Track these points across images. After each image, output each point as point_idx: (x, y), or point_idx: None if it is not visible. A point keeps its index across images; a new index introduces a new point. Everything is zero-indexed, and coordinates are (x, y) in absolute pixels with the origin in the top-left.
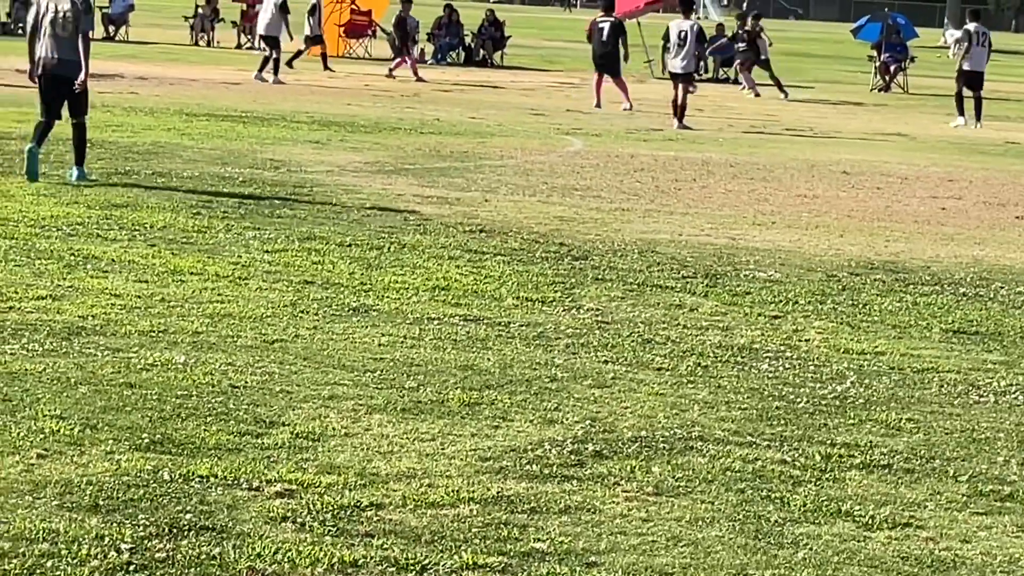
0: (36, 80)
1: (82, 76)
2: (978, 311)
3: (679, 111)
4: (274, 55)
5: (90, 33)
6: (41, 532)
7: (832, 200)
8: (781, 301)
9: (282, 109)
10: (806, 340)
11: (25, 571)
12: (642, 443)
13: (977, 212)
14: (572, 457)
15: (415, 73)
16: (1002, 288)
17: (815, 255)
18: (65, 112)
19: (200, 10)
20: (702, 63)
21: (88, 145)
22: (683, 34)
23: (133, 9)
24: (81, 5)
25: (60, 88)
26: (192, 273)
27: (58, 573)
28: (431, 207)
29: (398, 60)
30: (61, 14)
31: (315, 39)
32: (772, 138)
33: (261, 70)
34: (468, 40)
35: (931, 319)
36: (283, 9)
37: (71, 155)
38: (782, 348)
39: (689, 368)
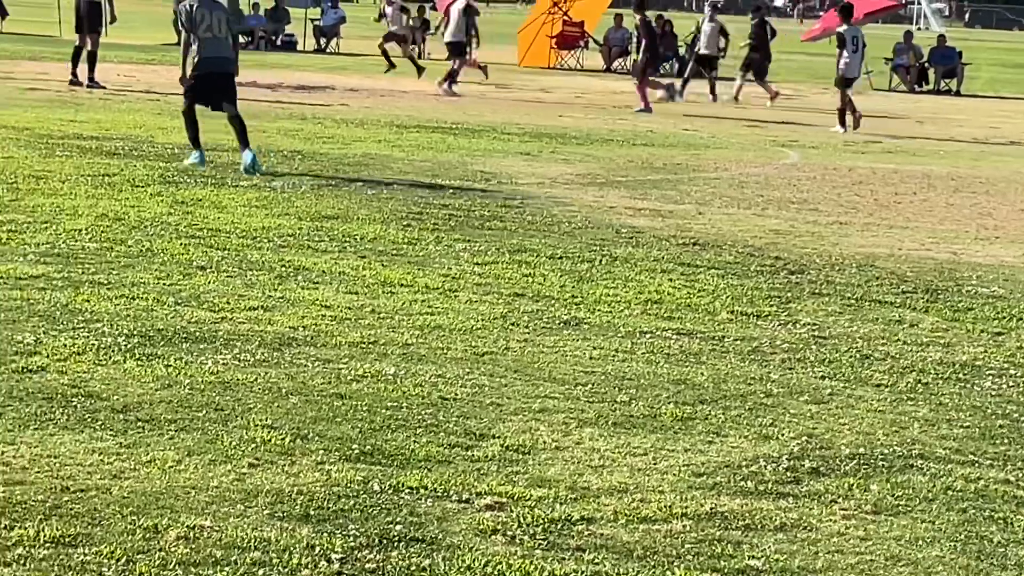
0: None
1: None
2: None
3: (851, 117)
4: (456, 64)
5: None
6: (253, 540)
7: None
8: (1005, 317)
9: (492, 121)
10: None
11: None
12: (860, 460)
13: None
14: (788, 474)
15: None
16: None
17: None
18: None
19: (411, 22)
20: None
21: (298, 155)
22: (856, 39)
23: (344, 21)
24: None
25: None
26: (402, 285)
27: None
28: (643, 219)
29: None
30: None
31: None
32: (995, 151)
33: (448, 82)
34: (682, 51)
35: None
36: (467, 13)
37: (281, 166)
38: (1006, 365)
39: (909, 385)
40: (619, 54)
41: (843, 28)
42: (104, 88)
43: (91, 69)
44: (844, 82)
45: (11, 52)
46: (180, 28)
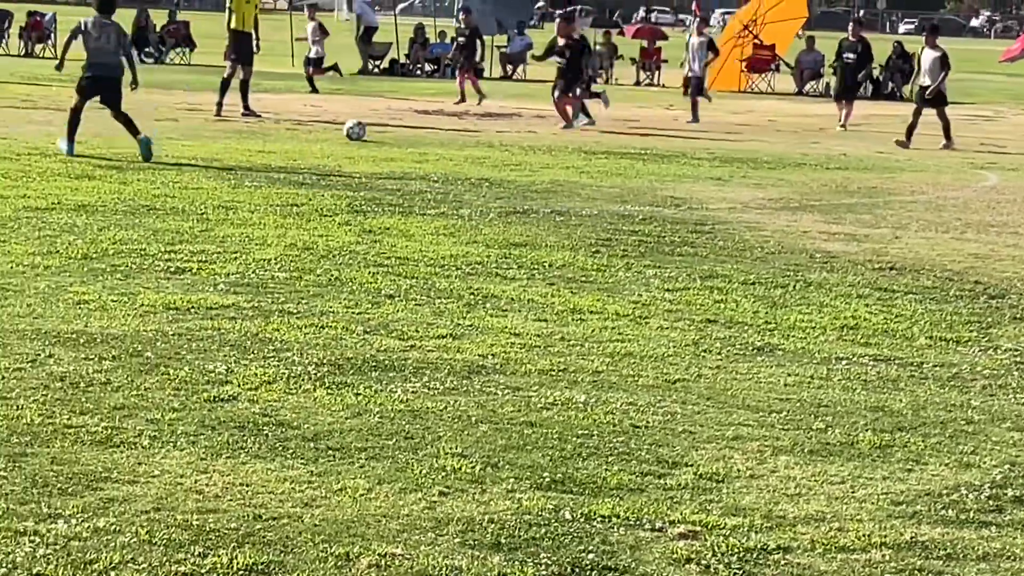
0: None
1: None
2: None
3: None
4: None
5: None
6: (444, 569)
7: None
8: None
9: (681, 146)
10: None
11: None
12: None
13: None
14: (990, 502)
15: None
16: None
17: None
18: None
19: (599, 48)
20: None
21: (486, 183)
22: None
23: (531, 48)
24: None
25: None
26: (591, 312)
27: None
28: (838, 244)
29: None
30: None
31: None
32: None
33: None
34: (876, 73)
35: None
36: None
37: (468, 194)
38: None
39: None
40: (811, 76)
41: None
42: (260, 117)
43: (244, 98)
44: None
45: (199, 83)
46: (72, 33)
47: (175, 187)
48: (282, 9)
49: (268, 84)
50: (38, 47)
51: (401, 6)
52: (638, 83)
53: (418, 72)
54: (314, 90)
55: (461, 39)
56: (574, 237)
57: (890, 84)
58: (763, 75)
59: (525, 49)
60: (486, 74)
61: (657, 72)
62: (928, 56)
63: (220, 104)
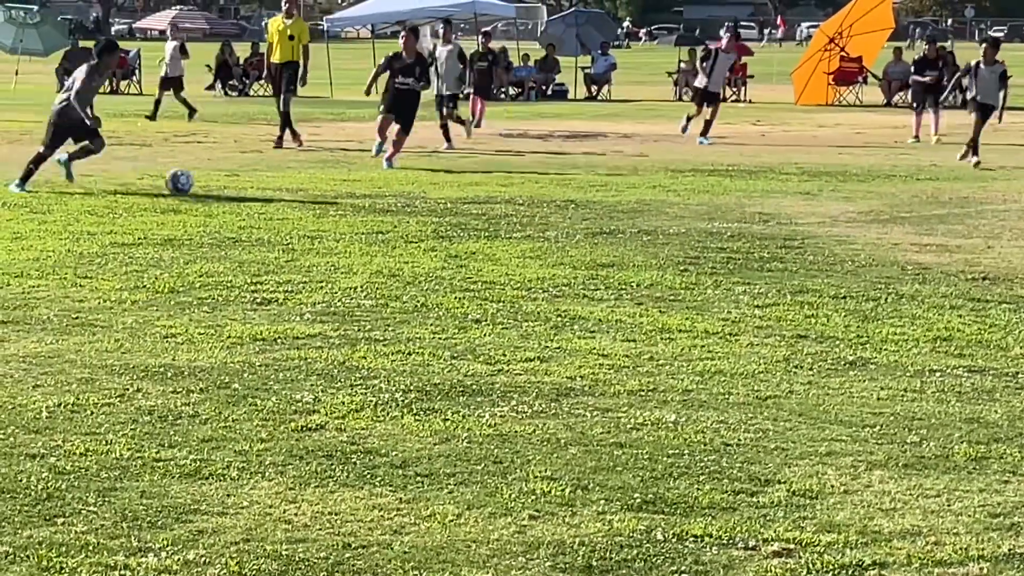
0: None
1: None
2: None
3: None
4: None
5: None
6: None
7: None
8: None
9: (769, 161)
10: None
11: None
12: None
13: None
14: None
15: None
16: None
17: None
18: None
19: (683, 65)
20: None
21: (572, 204)
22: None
23: (615, 68)
24: None
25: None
26: (680, 331)
27: None
28: (930, 255)
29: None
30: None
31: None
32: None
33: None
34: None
35: None
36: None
37: (554, 216)
38: None
39: None
40: (899, 87)
41: None
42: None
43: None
44: None
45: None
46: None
47: (260, 218)
48: (365, 38)
49: (353, 112)
50: (123, 83)
51: (484, 29)
52: (724, 99)
53: (502, 96)
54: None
55: (483, 64)
56: (661, 256)
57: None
58: (850, 87)
59: (609, 69)
60: (570, 95)
61: (744, 88)
62: (986, 73)
63: (282, 136)
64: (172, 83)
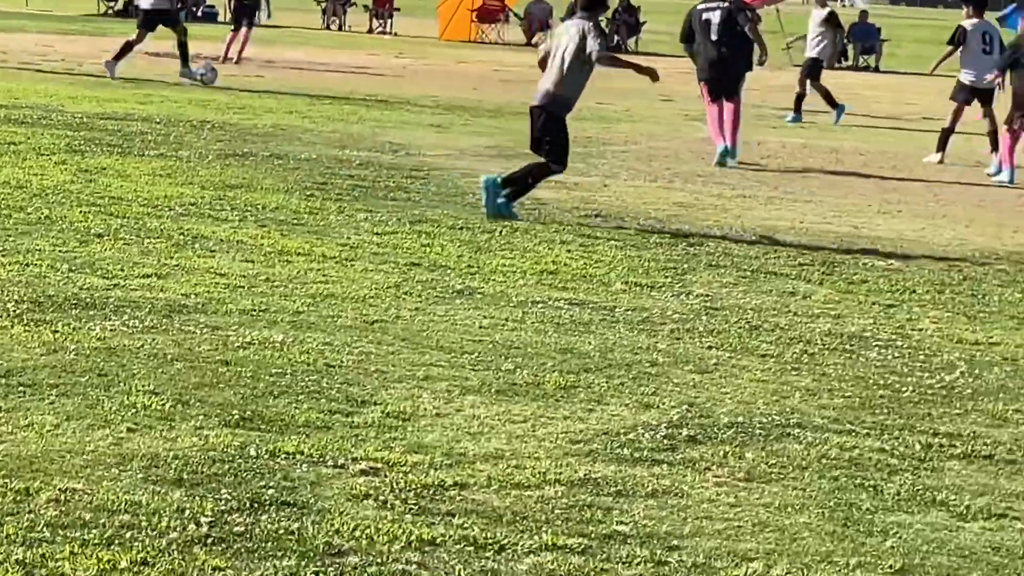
0: None
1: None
2: None
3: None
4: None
5: None
6: (124, 504)
7: (962, 190)
8: (898, 290)
9: (406, 93)
10: (919, 329)
11: (104, 541)
12: (738, 429)
13: None
14: (665, 441)
15: None
16: None
17: (938, 244)
18: None
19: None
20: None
21: (208, 125)
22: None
23: None
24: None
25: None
26: (299, 254)
27: (136, 544)
28: (549, 191)
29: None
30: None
31: None
32: (907, 127)
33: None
34: (603, 25)
35: None
36: None
37: (189, 136)
38: (893, 337)
39: (795, 355)
40: (541, 27)
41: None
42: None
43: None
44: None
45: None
46: None
47: None
48: None
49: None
50: None
51: None
52: (371, 31)
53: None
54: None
55: None
56: (290, 180)
57: (616, 37)
58: (493, 25)
59: None
60: (220, 18)
61: (390, 20)
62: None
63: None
64: None
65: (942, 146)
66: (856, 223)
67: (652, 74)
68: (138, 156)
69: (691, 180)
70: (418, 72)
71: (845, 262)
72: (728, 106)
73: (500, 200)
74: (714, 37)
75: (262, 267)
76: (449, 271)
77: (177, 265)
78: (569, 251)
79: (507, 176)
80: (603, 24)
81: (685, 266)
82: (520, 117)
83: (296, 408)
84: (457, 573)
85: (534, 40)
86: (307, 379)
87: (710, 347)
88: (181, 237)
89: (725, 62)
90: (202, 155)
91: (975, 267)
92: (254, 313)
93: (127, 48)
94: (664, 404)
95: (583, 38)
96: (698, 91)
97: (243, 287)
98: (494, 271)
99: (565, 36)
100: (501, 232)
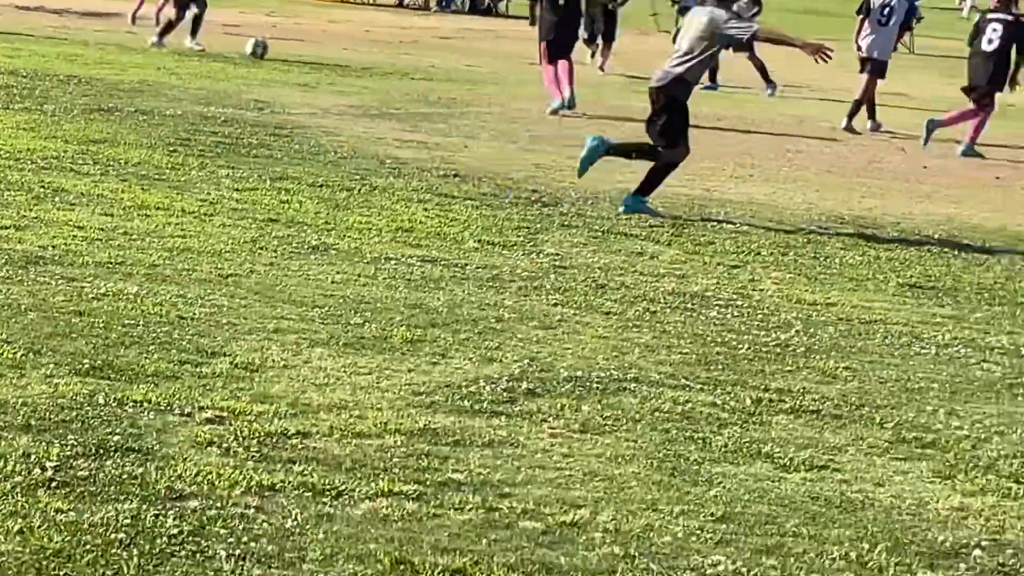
0: None
1: None
2: (939, 267)
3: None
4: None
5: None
6: None
7: (815, 155)
8: (743, 251)
9: (274, 52)
10: (760, 289)
11: None
12: (576, 383)
13: (959, 171)
14: (505, 394)
15: None
16: (968, 245)
17: (787, 208)
18: None
19: None
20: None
21: (75, 79)
22: None
23: None
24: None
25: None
26: (159, 208)
27: None
28: (409, 151)
29: None
30: None
31: None
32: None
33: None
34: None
35: (890, 273)
36: None
37: (55, 90)
38: (734, 296)
39: (637, 313)
40: None
41: None
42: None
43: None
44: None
45: None
46: None
47: None
48: None
49: None
50: None
51: None
52: None
53: None
54: None
55: None
56: (153, 136)
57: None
58: None
59: None
60: None
61: None
62: None
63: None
64: None
65: (871, 114)
66: (709, 186)
67: (817, 50)
68: (2, 109)
69: (551, 142)
70: (288, 30)
71: (694, 224)
72: (563, 64)
73: (629, 201)
74: (561, 1)
75: (121, 220)
76: (306, 227)
77: (36, 217)
78: (426, 210)
79: (616, 144)
80: None
81: (538, 226)
82: (387, 78)
83: (146, 358)
84: (294, 517)
85: (405, 1)
86: (159, 330)
87: (556, 304)
88: (41, 190)
89: (566, 25)
90: (67, 109)
91: (820, 231)
92: (110, 265)
93: (169, 27)
94: (507, 358)
95: (715, 25)
96: None
97: (100, 240)
98: (350, 228)
99: (695, 21)
100: (360, 190)
